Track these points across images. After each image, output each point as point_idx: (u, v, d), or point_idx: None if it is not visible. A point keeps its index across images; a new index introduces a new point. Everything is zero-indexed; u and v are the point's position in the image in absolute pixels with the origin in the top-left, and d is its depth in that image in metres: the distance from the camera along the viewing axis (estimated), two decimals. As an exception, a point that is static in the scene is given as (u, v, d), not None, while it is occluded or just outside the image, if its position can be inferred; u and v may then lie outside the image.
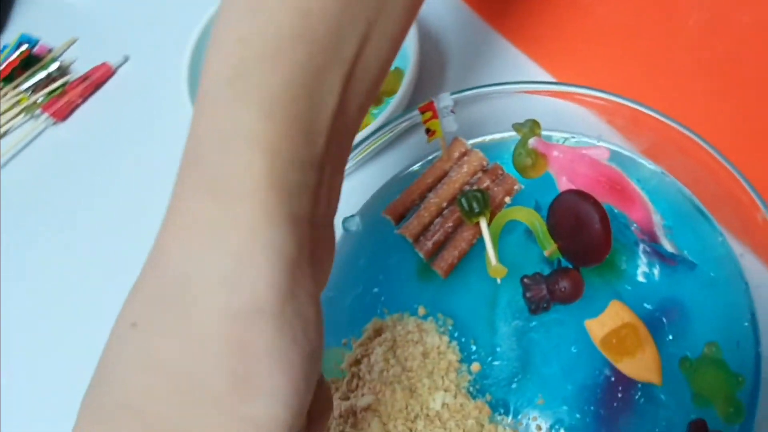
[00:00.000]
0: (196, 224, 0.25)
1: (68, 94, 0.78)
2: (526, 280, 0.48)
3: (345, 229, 0.55)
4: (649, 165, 0.52)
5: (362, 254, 0.55)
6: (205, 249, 0.25)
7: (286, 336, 0.25)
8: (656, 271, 0.49)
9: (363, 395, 0.47)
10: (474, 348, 0.49)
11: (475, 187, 0.51)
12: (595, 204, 0.45)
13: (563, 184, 0.50)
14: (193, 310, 0.25)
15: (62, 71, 0.82)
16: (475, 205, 0.48)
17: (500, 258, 0.48)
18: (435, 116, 0.51)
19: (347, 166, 0.54)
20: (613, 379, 0.46)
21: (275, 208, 0.25)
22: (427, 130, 0.52)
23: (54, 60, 0.82)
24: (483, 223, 0.48)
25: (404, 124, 0.55)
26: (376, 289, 0.52)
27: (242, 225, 0.25)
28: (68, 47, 0.85)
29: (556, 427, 0.46)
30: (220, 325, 0.24)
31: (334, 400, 0.48)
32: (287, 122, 0.26)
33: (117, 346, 0.26)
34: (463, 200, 0.49)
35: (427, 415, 0.46)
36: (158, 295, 0.26)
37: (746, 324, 0.46)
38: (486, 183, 0.52)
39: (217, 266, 0.25)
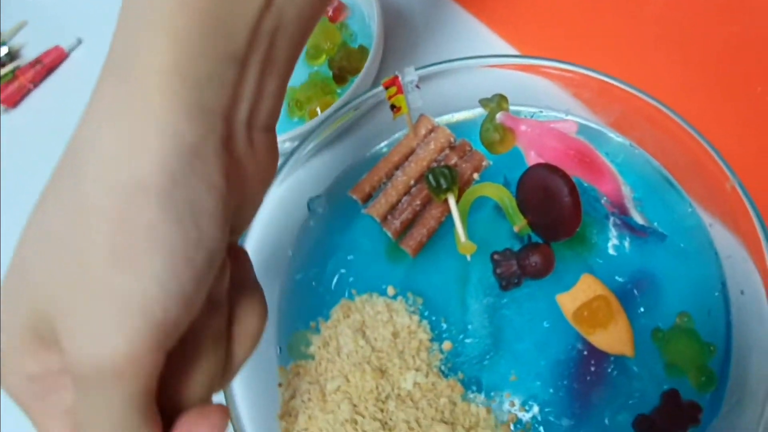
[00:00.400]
0: (100, 104, 0.26)
1: (19, 80, 0.75)
2: (496, 256, 0.47)
3: (311, 209, 0.54)
4: (617, 137, 0.51)
5: (329, 235, 0.53)
6: (104, 128, 0.26)
7: (169, 217, 0.25)
8: (627, 244, 0.48)
9: (332, 378, 0.45)
10: (445, 326, 0.48)
11: (442, 164, 0.50)
12: (565, 177, 0.45)
13: (532, 159, 0.49)
14: (83, 183, 0.25)
15: (12, 56, 0.79)
16: (442, 181, 0.47)
17: (469, 235, 0.47)
18: (400, 91, 0.50)
19: (310, 146, 0.53)
20: (585, 352, 0.46)
21: (178, 95, 0.26)
22: (392, 107, 0.50)
23: (2, 44, 0.79)
24: (451, 200, 0.47)
25: (369, 102, 0.54)
26: (343, 270, 0.51)
27: (141, 107, 0.25)
28: (18, 31, 0.82)
29: (530, 403, 0.45)
30: (105, 199, 0.25)
31: (302, 384, 0.46)
32: (200, 13, 0.25)
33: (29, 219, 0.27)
34: (431, 177, 0.48)
35: (399, 395, 0.45)
36: (59, 168, 0.27)
37: (717, 294, 0.46)
38: (454, 160, 0.51)
39: (111, 144, 0.25)
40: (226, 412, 0.29)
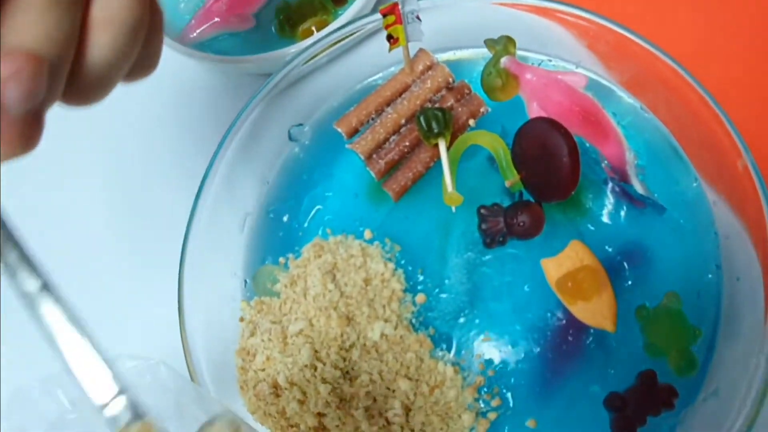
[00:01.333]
0: None
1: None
2: (483, 210, 0.44)
3: (292, 138, 0.50)
4: (627, 98, 0.48)
5: (308, 168, 0.50)
6: None
7: None
8: (623, 213, 0.45)
9: (296, 320, 0.43)
10: (421, 278, 0.45)
11: (437, 105, 0.47)
12: (566, 135, 0.41)
13: (534, 111, 0.45)
14: None
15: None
16: (434, 124, 0.43)
17: (457, 185, 0.44)
18: (399, 21, 0.45)
19: (299, 69, 0.49)
20: (564, 322, 0.44)
21: None
22: (389, 37, 0.46)
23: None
24: (442, 146, 0.44)
25: (368, 27, 0.50)
26: (320, 207, 0.48)
27: None
28: None
29: (500, 366, 0.43)
30: None
31: (264, 322, 0.44)
32: None
33: None
34: (422, 118, 0.44)
35: (364, 345, 0.42)
36: None
37: (710, 276, 0.44)
38: (450, 102, 0.47)
39: None
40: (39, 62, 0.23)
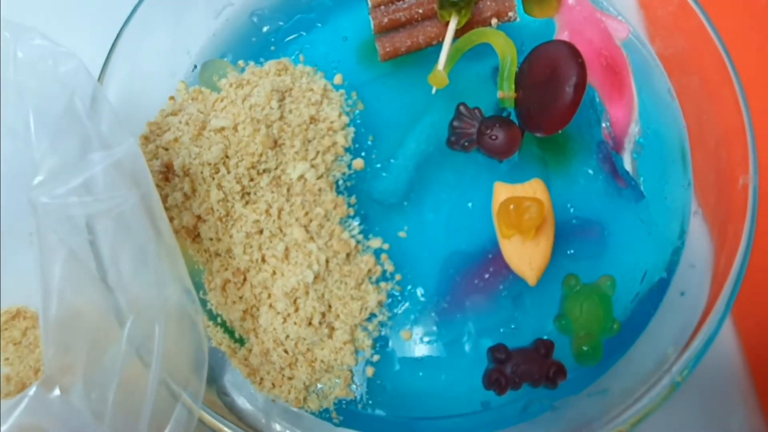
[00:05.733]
0: None
1: None
2: (462, 107, 0.40)
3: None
4: (660, 74, 0.43)
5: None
6: None
7: None
8: (600, 182, 0.41)
9: (223, 117, 0.38)
10: (369, 144, 0.41)
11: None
12: (581, 68, 0.37)
13: (562, 39, 0.41)
14: None
15: None
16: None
17: (450, 79, 0.39)
18: None
19: None
20: (489, 257, 0.39)
21: None
22: None
23: None
24: (453, 23, 0.40)
25: None
26: (304, 33, 0.44)
27: None
28: None
29: (400, 268, 0.39)
30: None
31: (191, 109, 0.39)
32: None
33: None
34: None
35: (279, 177, 0.38)
36: None
37: (655, 280, 0.40)
38: (485, -11, 0.42)
39: None
40: None
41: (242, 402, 0.37)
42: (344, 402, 0.38)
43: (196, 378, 0.33)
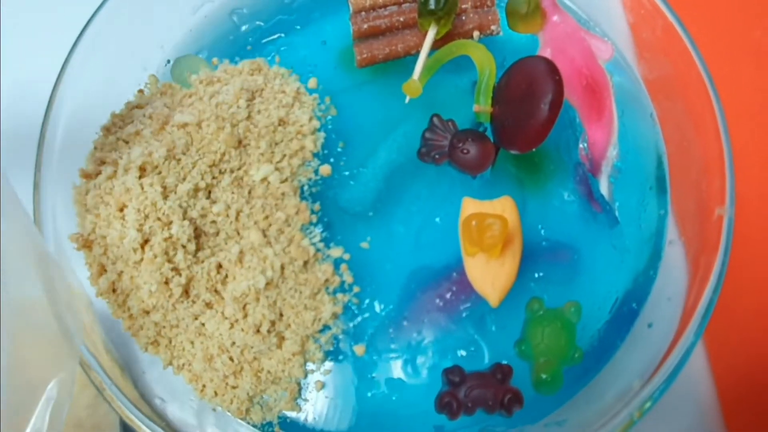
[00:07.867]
0: None
1: None
2: (435, 119, 0.39)
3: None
4: (643, 97, 0.42)
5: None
6: None
7: None
8: (575, 205, 0.40)
9: (188, 113, 0.37)
10: (339, 150, 0.40)
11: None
12: (558, 85, 0.35)
13: (541, 55, 0.40)
14: None
15: None
16: (432, 3, 0.38)
17: (426, 91, 0.38)
18: None
19: None
20: (454, 275, 0.38)
21: None
22: None
23: None
24: (432, 32, 0.39)
25: None
26: (283, 35, 0.43)
27: None
28: None
29: (360, 280, 0.38)
30: None
31: (158, 103, 0.38)
32: None
33: None
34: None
35: (241, 177, 0.37)
36: None
37: (623, 310, 0.38)
38: (467, 4, 0.41)
39: None
40: None
41: (175, 408, 0.36)
42: (289, 417, 0.37)
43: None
